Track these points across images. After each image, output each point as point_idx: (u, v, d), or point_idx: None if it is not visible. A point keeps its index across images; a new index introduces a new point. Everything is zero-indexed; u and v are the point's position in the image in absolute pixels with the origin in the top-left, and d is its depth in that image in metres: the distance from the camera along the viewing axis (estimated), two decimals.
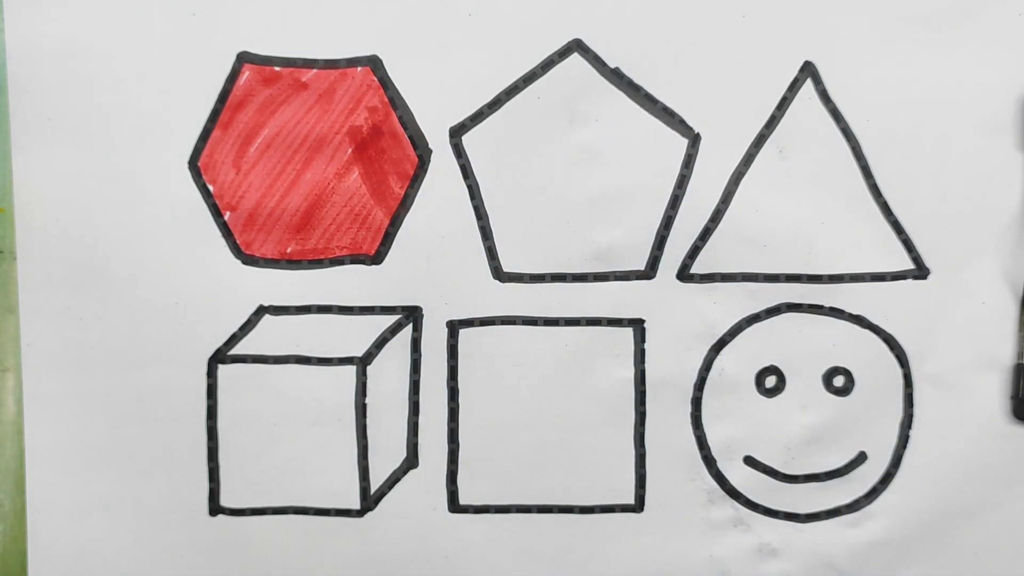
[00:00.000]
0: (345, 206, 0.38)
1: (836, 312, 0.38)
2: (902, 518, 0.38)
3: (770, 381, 0.39)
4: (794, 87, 0.37)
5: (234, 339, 0.38)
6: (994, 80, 0.37)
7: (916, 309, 0.38)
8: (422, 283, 0.38)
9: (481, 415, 0.39)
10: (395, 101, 0.37)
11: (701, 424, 0.39)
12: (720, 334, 0.38)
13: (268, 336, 0.38)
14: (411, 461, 0.39)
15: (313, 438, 0.39)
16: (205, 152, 0.37)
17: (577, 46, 0.37)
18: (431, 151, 0.37)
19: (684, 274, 0.38)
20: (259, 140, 0.37)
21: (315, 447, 0.39)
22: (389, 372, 0.39)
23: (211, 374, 0.39)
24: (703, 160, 0.37)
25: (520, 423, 0.39)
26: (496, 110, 0.37)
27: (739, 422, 0.39)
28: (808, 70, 0.37)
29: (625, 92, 0.37)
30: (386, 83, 0.37)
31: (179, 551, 0.39)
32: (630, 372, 0.38)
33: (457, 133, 0.37)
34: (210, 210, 0.38)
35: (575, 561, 0.39)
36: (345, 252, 0.38)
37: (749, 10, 0.37)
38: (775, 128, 0.37)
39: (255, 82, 0.37)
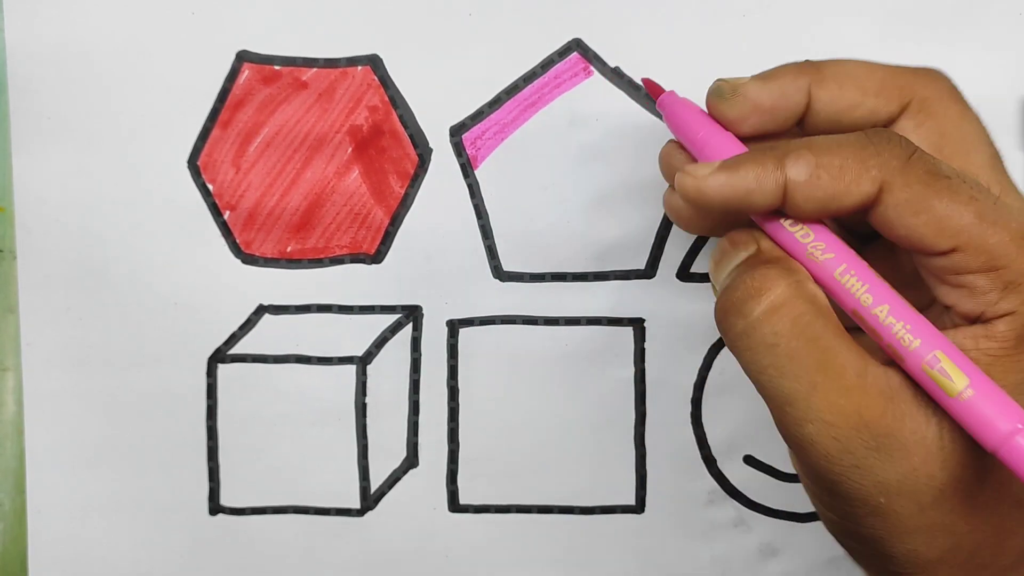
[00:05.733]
0: (345, 205, 0.38)
1: None
2: None
3: None
4: None
5: (234, 338, 0.38)
6: (994, 80, 0.37)
7: None
8: (422, 282, 0.38)
9: (481, 415, 0.39)
10: (395, 100, 0.37)
11: (701, 424, 0.39)
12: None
13: (268, 335, 0.38)
14: (411, 461, 0.39)
15: (313, 438, 0.39)
16: (204, 151, 0.37)
17: (577, 45, 0.37)
18: (431, 150, 0.38)
19: (684, 273, 0.38)
20: (259, 139, 0.37)
21: (315, 447, 0.39)
22: (389, 371, 0.39)
23: (211, 374, 0.39)
24: None
25: (520, 423, 0.39)
26: (496, 109, 0.37)
27: (739, 421, 0.39)
28: None
29: (625, 91, 0.37)
30: (386, 82, 0.37)
31: (179, 551, 0.39)
32: (630, 372, 0.38)
33: (457, 132, 0.37)
34: (209, 209, 0.38)
35: (576, 561, 0.39)
36: (345, 251, 0.38)
37: (749, 10, 0.37)
38: None
39: (255, 81, 0.37)
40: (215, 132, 0.37)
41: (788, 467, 0.39)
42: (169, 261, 0.38)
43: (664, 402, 0.39)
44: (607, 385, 0.38)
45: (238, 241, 0.38)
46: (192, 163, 0.38)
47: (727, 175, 0.26)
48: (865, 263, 0.27)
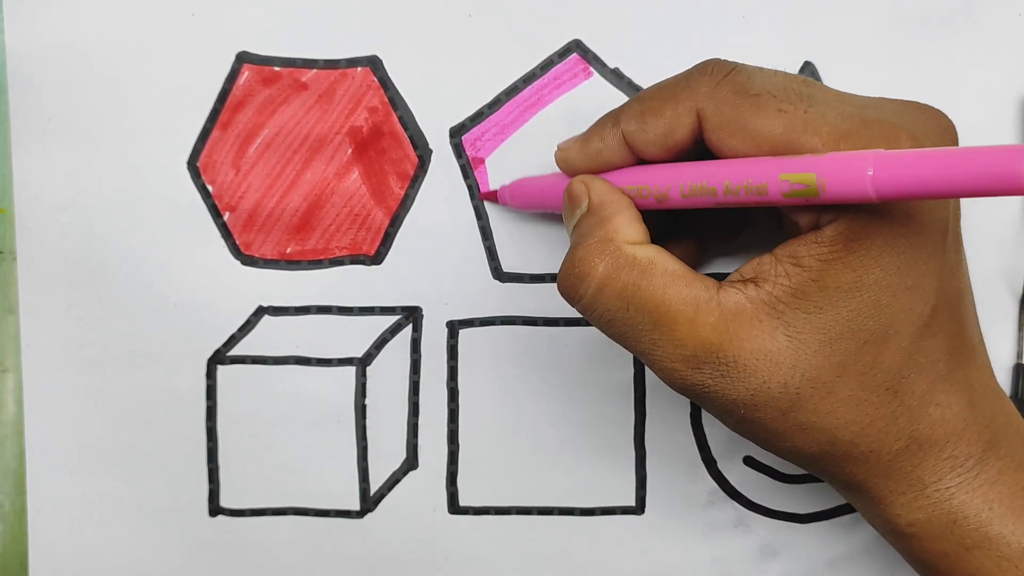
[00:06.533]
0: (345, 206, 0.38)
1: None
2: None
3: None
4: None
5: (233, 340, 0.38)
6: (994, 80, 0.37)
7: None
8: (422, 283, 0.38)
9: (481, 416, 0.39)
10: (395, 101, 0.37)
11: (701, 424, 0.39)
12: None
13: (267, 337, 0.38)
14: (411, 462, 0.39)
15: (313, 439, 0.39)
16: (204, 152, 0.38)
17: (577, 47, 0.37)
18: (431, 151, 0.38)
19: None
20: (259, 140, 0.37)
21: (315, 448, 0.39)
22: (389, 373, 0.39)
23: (210, 375, 0.39)
24: None
25: (520, 424, 0.39)
26: (496, 110, 0.37)
27: None
28: (808, 70, 0.37)
29: (625, 92, 0.37)
30: (386, 83, 0.37)
31: (179, 551, 0.39)
32: (630, 372, 0.38)
33: (457, 133, 0.37)
34: (209, 210, 0.38)
35: (576, 563, 0.39)
36: (345, 252, 0.38)
37: (749, 10, 0.37)
38: None
39: (255, 82, 0.37)
40: (215, 133, 0.37)
41: (788, 468, 0.39)
42: (169, 262, 0.38)
43: (664, 403, 0.38)
44: (607, 385, 0.38)
45: (238, 242, 0.38)
46: (192, 164, 0.38)
47: (581, 143, 0.31)
48: (697, 163, 0.28)
